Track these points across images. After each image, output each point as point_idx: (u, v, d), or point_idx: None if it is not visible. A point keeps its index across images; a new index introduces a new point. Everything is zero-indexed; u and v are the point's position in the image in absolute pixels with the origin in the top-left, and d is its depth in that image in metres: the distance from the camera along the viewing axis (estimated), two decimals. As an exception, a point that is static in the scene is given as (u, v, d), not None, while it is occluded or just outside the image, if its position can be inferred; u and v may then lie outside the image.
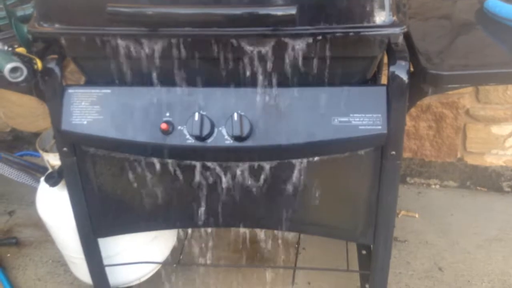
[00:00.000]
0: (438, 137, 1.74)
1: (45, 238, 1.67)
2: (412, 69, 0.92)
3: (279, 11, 0.78)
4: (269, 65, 0.89)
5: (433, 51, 0.94)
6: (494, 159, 1.77)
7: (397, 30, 0.83)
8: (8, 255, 1.68)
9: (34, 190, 1.40)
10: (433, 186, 1.87)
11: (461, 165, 1.80)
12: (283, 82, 0.93)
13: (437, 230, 1.67)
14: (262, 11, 0.78)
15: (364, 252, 1.44)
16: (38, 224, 1.63)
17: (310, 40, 0.84)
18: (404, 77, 0.90)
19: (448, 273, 1.53)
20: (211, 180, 1.03)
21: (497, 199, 1.79)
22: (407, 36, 0.95)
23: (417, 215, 1.73)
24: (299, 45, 0.85)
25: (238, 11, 0.78)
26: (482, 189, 1.83)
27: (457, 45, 0.98)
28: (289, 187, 1.03)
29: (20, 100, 1.95)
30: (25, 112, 2.00)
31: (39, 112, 1.97)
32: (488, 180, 1.81)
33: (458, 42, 0.99)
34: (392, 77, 0.91)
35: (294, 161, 0.99)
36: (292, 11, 0.77)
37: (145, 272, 1.43)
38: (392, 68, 0.90)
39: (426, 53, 0.93)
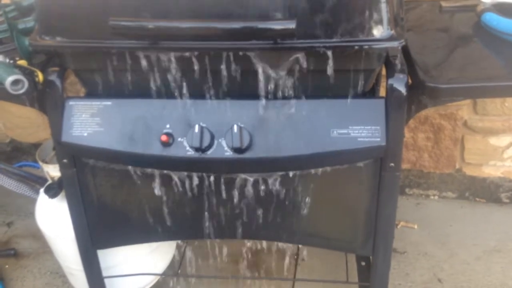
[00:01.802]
0: (436, 148, 1.75)
1: (43, 249, 1.67)
2: (410, 81, 0.93)
3: (278, 26, 0.79)
4: (269, 78, 0.90)
5: (431, 64, 0.95)
6: (492, 170, 1.77)
7: (395, 43, 0.83)
8: (6, 266, 1.68)
9: (32, 201, 1.40)
10: (432, 197, 1.87)
11: (459, 176, 1.81)
12: (283, 95, 0.93)
13: (436, 241, 1.67)
14: (262, 25, 0.79)
15: (363, 263, 1.44)
16: (37, 235, 1.62)
17: (310, 53, 0.85)
18: (403, 89, 0.91)
19: (447, 284, 1.52)
20: (210, 191, 1.04)
21: (496, 210, 1.79)
22: (405, 49, 0.95)
23: (416, 226, 1.73)
24: (299, 58, 0.86)
25: (238, 25, 0.79)
26: (480, 200, 1.83)
27: (455, 58, 0.99)
28: (289, 199, 1.03)
29: (20, 111, 1.96)
30: (24, 123, 2.01)
31: (38, 123, 1.97)
32: (486, 191, 1.81)
33: (456, 55, 1.00)
34: (391, 90, 0.91)
35: (293, 172, 1.00)
36: (292, 25, 0.78)
37: (144, 283, 1.43)
38: (390, 81, 0.91)
39: (424, 66, 0.94)
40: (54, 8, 0.89)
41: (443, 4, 1.18)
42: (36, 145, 2.00)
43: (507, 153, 1.72)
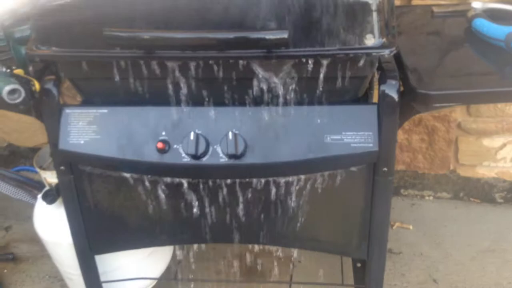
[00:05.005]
0: (430, 149, 1.76)
1: (41, 253, 1.67)
2: (402, 87, 0.94)
3: (271, 35, 0.80)
4: (262, 85, 0.91)
5: (422, 70, 0.96)
6: (486, 171, 1.79)
7: (386, 52, 0.85)
8: (5, 271, 1.68)
9: (30, 205, 1.40)
10: (427, 198, 1.88)
11: (454, 177, 1.82)
12: (277, 101, 0.94)
13: (431, 241, 1.69)
14: (255, 35, 0.80)
15: (359, 265, 1.45)
16: (35, 240, 1.62)
17: (302, 61, 0.86)
18: (395, 96, 0.92)
19: (442, 284, 1.54)
20: (206, 197, 1.05)
21: (490, 210, 1.81)
22: (397, 55, 0.97)
23: (411, 227, 1.74)
24: (292, 66, 0.87)
25: (231, 35, 0.80)
26: (475, 200, 1.85)
27: (446, 64, 1.00)
28: (283, 204, 1.05)
29: (17, 115, 1.95)
30: (22, 127, 2.01)
31: (36, 127, 1.98)
32: (480, 192, 1.83)
33: (447, 60, 1.01)
34: (383, 96, 0.93)
35: (288, 178, 1.01)
36: (284, 35, 0.79)
37: (142, 287, 1.44)
38: (382, 87, 0.92)
39: (415, 72, 0.95)
40: (49, 19, 0.89)
41: (435, 9, 1.19)
42: (34, 149, 2.00)
43: (501, 154, 1.73)
